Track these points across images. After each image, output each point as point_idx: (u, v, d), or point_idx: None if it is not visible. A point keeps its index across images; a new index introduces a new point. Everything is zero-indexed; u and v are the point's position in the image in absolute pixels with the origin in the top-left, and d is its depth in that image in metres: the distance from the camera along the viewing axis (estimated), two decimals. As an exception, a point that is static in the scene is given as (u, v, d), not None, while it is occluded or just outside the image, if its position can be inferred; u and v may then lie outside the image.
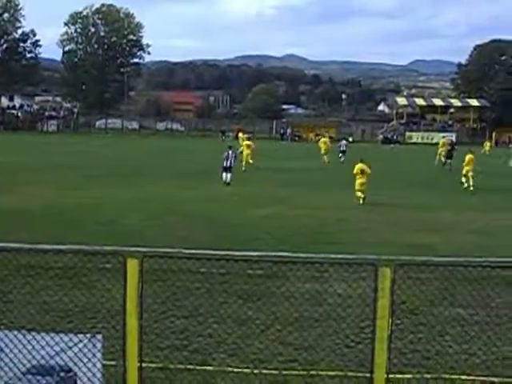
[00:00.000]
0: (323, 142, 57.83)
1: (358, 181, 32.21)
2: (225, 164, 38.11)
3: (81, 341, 7.32)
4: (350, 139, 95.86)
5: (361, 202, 31.44)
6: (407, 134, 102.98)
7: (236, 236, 20.86)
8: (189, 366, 9.87)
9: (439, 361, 10.81)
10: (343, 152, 57.66)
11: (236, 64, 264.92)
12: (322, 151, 56.45)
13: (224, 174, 38.03)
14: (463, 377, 10.17)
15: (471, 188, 37.98)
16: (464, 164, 39.96)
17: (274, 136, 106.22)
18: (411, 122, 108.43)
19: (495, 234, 23.72)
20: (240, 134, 68.07)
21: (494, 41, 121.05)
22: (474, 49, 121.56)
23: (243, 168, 44.64)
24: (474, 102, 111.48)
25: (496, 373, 10.19)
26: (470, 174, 38.86)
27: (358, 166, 32.72)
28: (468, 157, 40.15)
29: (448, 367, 10.54)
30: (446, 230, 24.24)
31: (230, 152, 38.24)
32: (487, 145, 77.94)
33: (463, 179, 39.29)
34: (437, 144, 69.08)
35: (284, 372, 10.13)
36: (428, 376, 10.23)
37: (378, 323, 7.45)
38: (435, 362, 10.80)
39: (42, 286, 12.99)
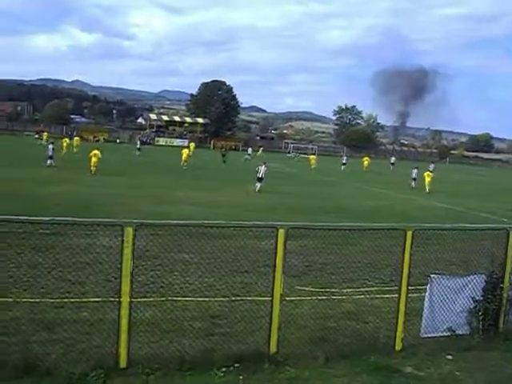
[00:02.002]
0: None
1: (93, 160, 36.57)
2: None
3: None
4: (118, 140, 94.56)
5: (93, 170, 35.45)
6: (156, 138, 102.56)
7: (37, 206, 19.67)
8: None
9: (170, 288, 10.92)
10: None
11: (38, 84, 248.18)
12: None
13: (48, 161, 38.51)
14: (185, 298, 10.37)
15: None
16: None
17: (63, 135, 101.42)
18: (159, 130, 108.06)
19: (209, 205, 24.41)
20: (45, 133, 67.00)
21: (214, 81, 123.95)
22: (202, 84, 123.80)
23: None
24: (200, 120, 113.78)
25: (207, 295, 10.50)
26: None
27: (93, 153, 36.98)
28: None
29: (176, 292, 10.69)
30: (178, 203, 24.54)
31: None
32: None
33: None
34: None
35: (64, 300, 9.78)
36: (163, 299, 10.28)
37: (124, 265, 7.39)
38: (168, 289, 10.90)
39: None
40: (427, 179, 43.40)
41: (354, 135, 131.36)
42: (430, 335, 9.16)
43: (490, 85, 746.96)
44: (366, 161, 72.00)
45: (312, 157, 70.94)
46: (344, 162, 69.88)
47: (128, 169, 42.31)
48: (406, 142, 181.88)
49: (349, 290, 11.58)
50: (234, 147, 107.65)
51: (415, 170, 47.34)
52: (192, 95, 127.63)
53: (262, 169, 33.61)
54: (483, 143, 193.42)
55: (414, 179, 46.63)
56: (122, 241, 7.36)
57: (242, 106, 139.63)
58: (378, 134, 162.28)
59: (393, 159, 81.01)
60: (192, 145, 79.07)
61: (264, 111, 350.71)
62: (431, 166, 65.28)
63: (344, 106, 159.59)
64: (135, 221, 7.62)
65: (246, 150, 78.84)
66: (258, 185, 32.94)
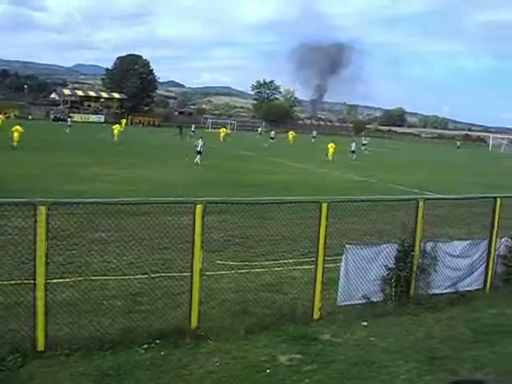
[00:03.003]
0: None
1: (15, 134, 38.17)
2: None
3: None
4: (30, 117, 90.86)
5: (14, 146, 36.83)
6: (71, 114, 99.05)
7: None
8: None
9: (88, 268, 10.74)
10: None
11: None
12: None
13: None
14: (104, 277, 10.24)
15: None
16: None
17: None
18: (74, 106, 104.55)
19: (130, 182, 24.00)
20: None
21: (130, 55, 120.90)
22: (118, 59, 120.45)
23: None
24: (116, 95, 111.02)
25: (126, 273, 10.40)
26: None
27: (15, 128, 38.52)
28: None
29: (94, 272, 10.53)
30: (96, 181, 23.98)
31: None
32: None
33: None
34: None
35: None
36: (80, 279, 10.13)
37: (38, 245, 7.17)
38: (85, 268, 10.72)
39: None
40: (331, 150, 46.99)
41: (272, 110, 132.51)
42: (346, 303, 9.49)
43: (404, 62, 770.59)
44: (290, 135, 74.35)
45: (222, 130, 71.76)
46: (272, 136, 71.46)
47: (51, 146, 40.88)
48: (323, 117, 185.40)
49: (268, 263, 11.77)
50: (151, 123, 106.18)
51: (353, 144, 51.77)
52: (108, 70, 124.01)
53: (200, 143, 36.45)
54: (397, 118, 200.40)
55: (353, 152, 50.65)
56: (35, 221, 7.14)
57: (160, 80, 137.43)
58: (295, 108, 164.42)
59: (314, 133, 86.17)
60: (123, 121, 77.47)
61: (182, 86, 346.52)
62: (364, 139, 68.28)
63: (262, 81, 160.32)
64: (49, 200, 7.40)
65: (190, 127, 78.37)
66: (198, 157, 35.84)
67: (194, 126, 77.79)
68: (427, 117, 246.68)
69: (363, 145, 67.15)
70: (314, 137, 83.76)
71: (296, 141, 73.36)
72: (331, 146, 47.43)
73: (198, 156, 35.93)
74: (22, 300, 8.02)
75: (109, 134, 54.78)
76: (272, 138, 70.88)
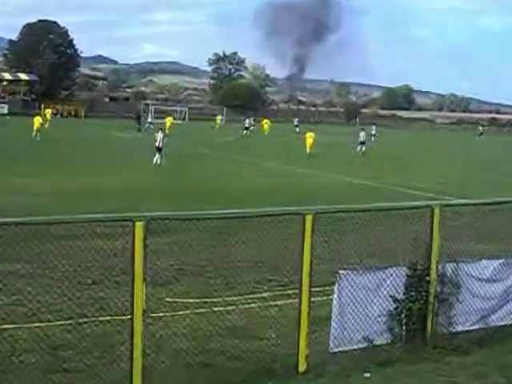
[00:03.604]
0: None
1: None
2: None
3: None
4: None
5: None
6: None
7: None
8: None
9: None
10: None
11: None
12: None
13: None
14: (13, 326, 10.05)
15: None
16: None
17: None
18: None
19: (49, 194, 23.77)
20: None
21: (41, 21, 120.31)
22: (24, 27, 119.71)
23: None
24: (24, 76, 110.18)
25: (43, 319, 10.27)
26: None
27: None
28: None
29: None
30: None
31: None
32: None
33: None
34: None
35: None
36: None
37: None
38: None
39: None
40: (309, 140, 48.26)
41: (236, 91, 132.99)
42: (341, 349, 9.53)
43: (411, 23, 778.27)
44: (265, 124, 75.31)
45: (169, 119, 72.60)
46: (247, 126, 72.41)
47: None
48: (304, 100, 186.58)
49: (235, 298, 11.76)
50: (73, 113, 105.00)
51: (362, 133, 53.72)
52: (11, 41, 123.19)
53: (159, 136, 37.19)
54: (402, 98, 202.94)
55: (363, 143, 52.85)
56: None
57: (83, 55, 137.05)
58: (267, 89, 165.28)
59: (296, 121, 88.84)
60: (48, 111, 77.00)
61: (114, 62, 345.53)
62: (373, 128, 68.89)
63: (222, 54, 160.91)
64: None
65: (146, 117, 78.49)
66: (158, 156, 36.35)
67: (150, 114, 78.75)
68: (442, 96, 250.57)
69: (372, 135, 67.71)
70: (296, 125, 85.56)
71: (272, 132, 73.96)
72: (309, 136, 48.25)
73: (157, 154, 36.40)
74: None
75: (18, 128, 54.46)
76: (247, 129, 71.57)
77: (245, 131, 70.80)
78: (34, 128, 53.14)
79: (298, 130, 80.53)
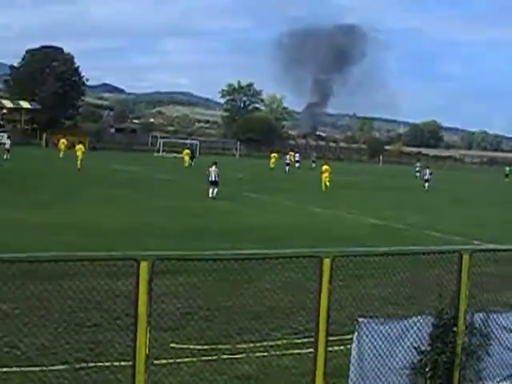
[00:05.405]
0: None
1: None
2: None
3: None
4: None
5: None
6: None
7: None
8: None
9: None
10: None
11: None
12: None
13: None
14: (4, 369, 10.05)
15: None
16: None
17: None
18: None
19: (48, 229, 23.85)
20: None
21: (45, 47, 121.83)
22: (28, 52, 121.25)
23: None
24: (25, 105, 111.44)
25: (37, 363, 10.24)
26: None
27: None
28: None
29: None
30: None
31: None
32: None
33: None
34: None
35: None
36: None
37: None
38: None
39: None
40: (325, 174, 49.20)
41: (250, 125, 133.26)
42: (360, 404, 9.43)
43: (439, 56, 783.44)
44: (273, 157, 76.81)
45: (186, 152, 75.09)
46: (298, 159, 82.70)
47: None
48: (323, 135, 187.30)
49: (245, 346, 11.70)
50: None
51: (427, 170, 59.27)
52: (13, 68, 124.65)
53: (213, 170, 39.77)
54: (429, 135, 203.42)
55: (427, 180, 58.22)
56: None
57: (89, 83, 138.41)
58: (284, 123, 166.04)
59: (314, 156, 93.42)
60: (80, 147, 69.21)
61: (121, 91, 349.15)
62: (427, 171, 66.05)
63: (236, 85, 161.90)
64: None
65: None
66: (212, 189, 39.41)
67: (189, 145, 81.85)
68: (472, 134, 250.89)
69: (430, 174, 65.58)
70: (313, 161, 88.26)
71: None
72: (326, 170, 48.58)
73: (212, 188, 39.35)
74: None
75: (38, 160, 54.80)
76: (288, 165, 74.75)
77: (287, 166, 74.06)
78: (79, 158, 58.88)
79: (313, 165, 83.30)
